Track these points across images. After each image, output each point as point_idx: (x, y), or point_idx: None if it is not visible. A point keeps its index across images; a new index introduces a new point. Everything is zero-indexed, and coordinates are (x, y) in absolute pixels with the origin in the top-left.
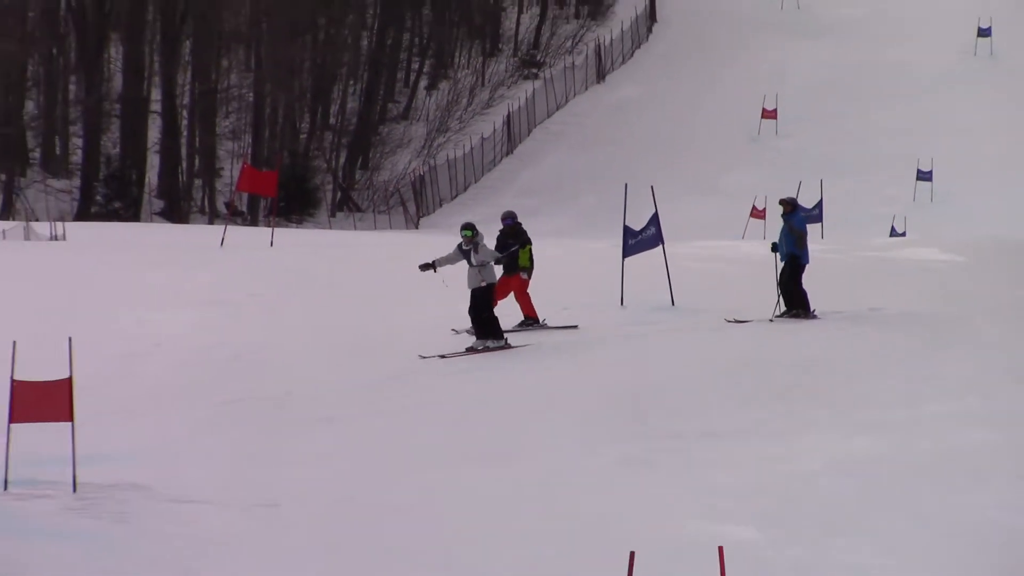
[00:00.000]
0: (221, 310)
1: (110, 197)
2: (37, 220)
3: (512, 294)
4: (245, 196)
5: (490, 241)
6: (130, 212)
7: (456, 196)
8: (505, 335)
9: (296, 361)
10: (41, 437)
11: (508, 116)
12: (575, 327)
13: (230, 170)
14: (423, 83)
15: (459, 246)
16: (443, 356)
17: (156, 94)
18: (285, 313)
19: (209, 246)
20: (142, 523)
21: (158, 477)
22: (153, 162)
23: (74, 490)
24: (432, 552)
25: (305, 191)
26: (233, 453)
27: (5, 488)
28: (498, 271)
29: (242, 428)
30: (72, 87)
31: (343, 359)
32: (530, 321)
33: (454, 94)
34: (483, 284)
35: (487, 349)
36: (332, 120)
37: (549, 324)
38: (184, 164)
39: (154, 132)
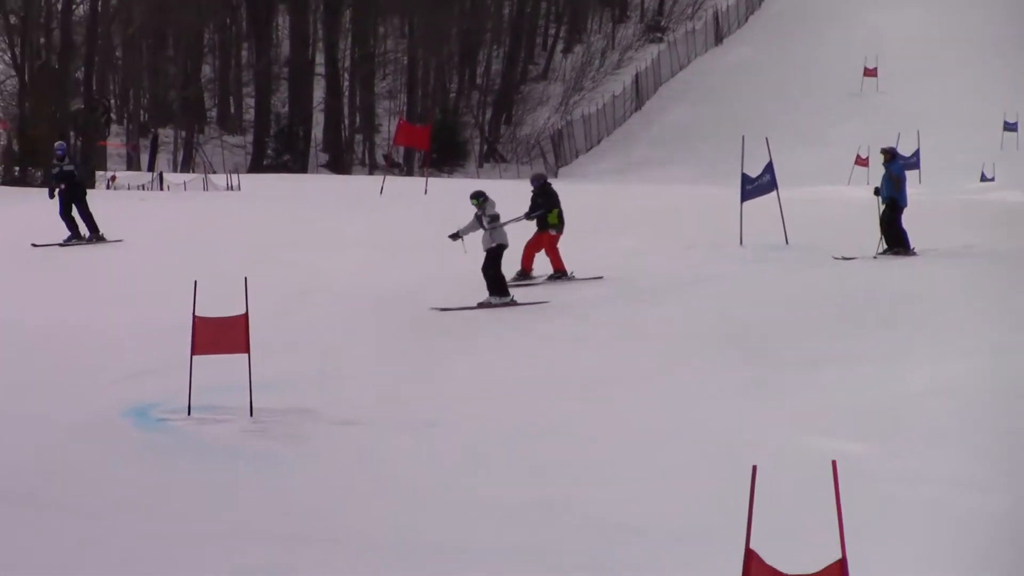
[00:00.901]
0: (381, 252)
1: (279, 151)
2: (214, 172)
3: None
4: (401, 149)
5: (525, 204)
6: (298, 165)
7: (590, 148)
8: (512, 293)
9: (451, 295)
10: (220, 368)
11: (636, 76)
12: (600, 278)
13: (387, 126)
14: (559, 47)
15: (476, 215)
16: (443, 309)
17: (320, 58)
18: (438, 253)
19: (369, 195)
20: (313, 444)
21: (326, 402)
22: (318, 119)
23: (251, 415)
24: (574, 466)
25: (455, 144)
26: (394, 378)
27: (189, 413)
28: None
29: (402, 356)
30: (244, 53)
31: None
32: (559, 274)
33: (587, 56)
34: (494, 245)
35: (491, 305)
36: (478, 80)
37: (577, 276)
38: (346, 121)
39: (318, 92)
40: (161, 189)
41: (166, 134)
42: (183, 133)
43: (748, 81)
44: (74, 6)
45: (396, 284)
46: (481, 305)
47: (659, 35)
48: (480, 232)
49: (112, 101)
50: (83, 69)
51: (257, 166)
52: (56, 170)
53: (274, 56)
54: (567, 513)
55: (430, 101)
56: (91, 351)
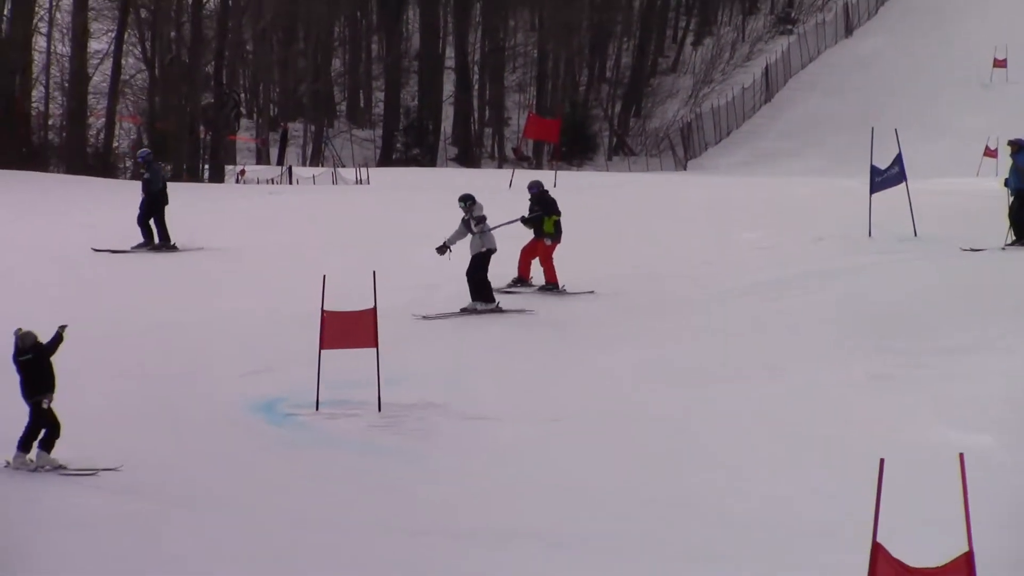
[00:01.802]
0: (510, 245)
1: (409, 145)
2: (344, 166)
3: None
4: (531, 142)
5: (523, 209)
6: (427, 158)
7: (720, 140)
8: (497, 300)
9: (584, 289)
10: (349, 362)
11: (766, 68)
12: (592, 292)
13: (517, 119)
14: (689, 39)
15: (463, 220)
16: (425, 317)
17: (450, 52)
18: (567, 246)
19: (498, 188)
20: (440, 438)
21: (454, 396)
22: (447, 113)
23: (379, 409)
24: (698, 459)
25: (584, 137)
26: (520, 373)
27: (317, 408)
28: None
29: (528, 349)
30: (374, 46)
31: (620, 285)
32: (551, 286)
33: (717, 49)
34: (483, 250)
35: (475, 311)
36: (608, 73)
37: (568, 290)
38: (475, 114)
39: (448, 86)
40: (290, 183)
41: (295, 128)
42: (312, 127)
43: (877, 72)
44: (205, 0)
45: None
46: (464, 311)
47: (789, 27)
48: (467, 236)
49: (242, 95)
50: (213, 63)
51: (386, 160)
52: (144, 175)
53: (404, 50)
54: (692, 506)
55: (560, 94)
56: (219, 346)
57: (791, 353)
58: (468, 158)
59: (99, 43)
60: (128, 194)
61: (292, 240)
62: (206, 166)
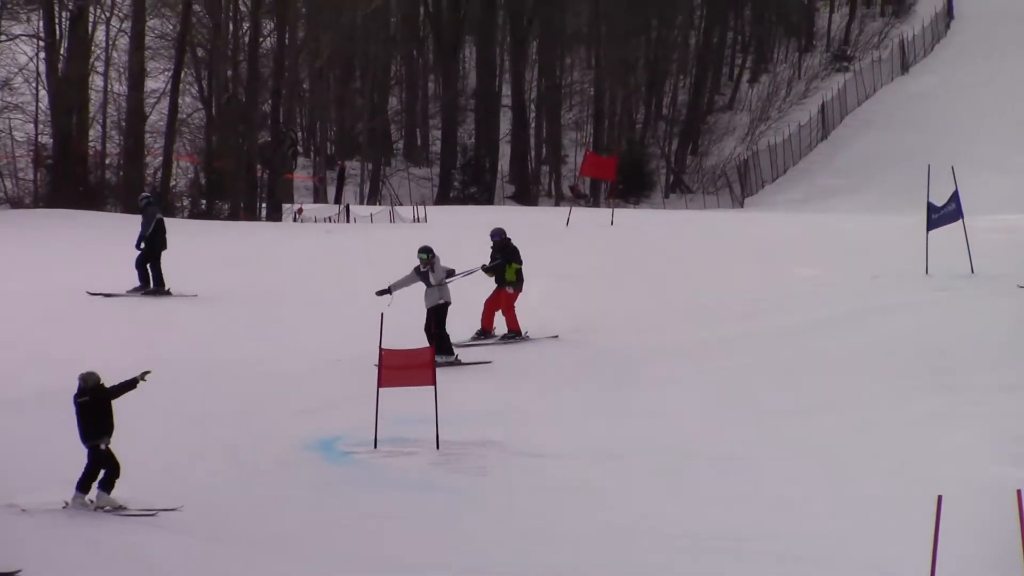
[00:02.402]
0: (568, 282)
1: (466, 183)
2: (401, 204)
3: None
4: (587, 180)
5: (484, 258)
6: (484, 196)
7: (776, 178)
8: (456, 352)
9: (639, 326)
10: (405, 400)
11: (822, 105)
12: (556, 337)
13: (573, 157)
14: (745, 76)
15: (416, 269)
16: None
17: (506, 89)
18: (625, 285)
19: (556, 225)
20: (499, 476)
21: (512, 434)
22: (504, 151)
23: (437, 447)
24: (759, 496)
25: (641, 175)
26: (580, 410)
27: (375, 447)
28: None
29: (588, 387)
30: (431, 84)
31: (679, 323)
32: (513, 334)
33: (773, 86)
34: (441, 302)
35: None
36: (664, 111)
37: (531, 337)
38: (532, 152)
39: (505, 124)
40: (347, 221)
41: (353, 166)
42: (370, 165)
43: (934, 109)
44: (262, 39)
45: (579, 316)
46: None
47: (845, 64)
48: (421, 288)
49: (299, 133)
50: (270, 102)
51: (444, 198)
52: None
53: (461, 88)
54: (751, 544)
55: (616, 132)
56: (275, 384)
57: (848, 390)
58: (525, 196)
59: (156, 82)
60: (185, 233)
61: (348, 278)
62: (263, 204)
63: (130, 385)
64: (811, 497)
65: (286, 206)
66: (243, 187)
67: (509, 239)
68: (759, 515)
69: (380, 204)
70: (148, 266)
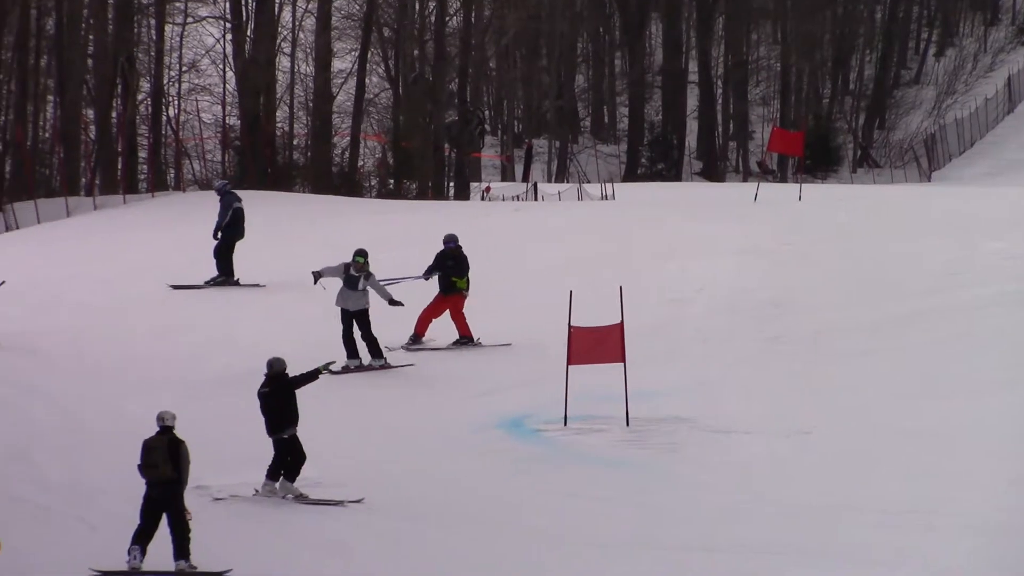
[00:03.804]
0: (755, 258)
1: (653, 160)
2: (588, 182)
3: (446, 312)
4: (775, 155)
5: (428, 260)
6: (671, 173)
7: (963, 151)
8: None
9: (826, 302)
10: (594, 377)
11: (1008, 79)
12: (509, 344)
13: (761, 133)
14: (931, 50)
15: (347, 266)
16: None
17: (693, 66)
18: (814, 260)
19: (743, 201)
20: (689, 452)
21: (701, 410)
22: (691, 127)
23: (627, 424)
24: (949, 471)
25: (828, 150)
26: (770, 386)
27: (565, 424)
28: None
29: (778, 363)
30: (617, 62)
31: (868, 299)
32: (465, 339)
33: (959, 60)
34: (367, 307)
35: (363, 368)
36: (851, 86)
37: (483, 343)
38: (719, 128)
39: (692, 100)
40: (535, 199)
41: (540, 144)
42: (557, 143)
43: None
44: (448, 18)
45: (771, 289)
46: (358, 368)
47: None
48: (342, 286)
49: (486, 112)
50: (457, 80)
51: (631, 175)
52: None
53: (647, 65)
54: (946, 518)
55: (803, 107)
56: (466, 363)
57: None
58: (713, 172)
59: (342, 62)
60: (372, 213)
61: (537, 256)
62: (451, 184)
63: (312, 376)
64: (1001, 471)
65: (474, 185)
66: (430, 166)
67: (460, 247)
68: (950, 490)
69: (568, 182)
70: (222, 254)
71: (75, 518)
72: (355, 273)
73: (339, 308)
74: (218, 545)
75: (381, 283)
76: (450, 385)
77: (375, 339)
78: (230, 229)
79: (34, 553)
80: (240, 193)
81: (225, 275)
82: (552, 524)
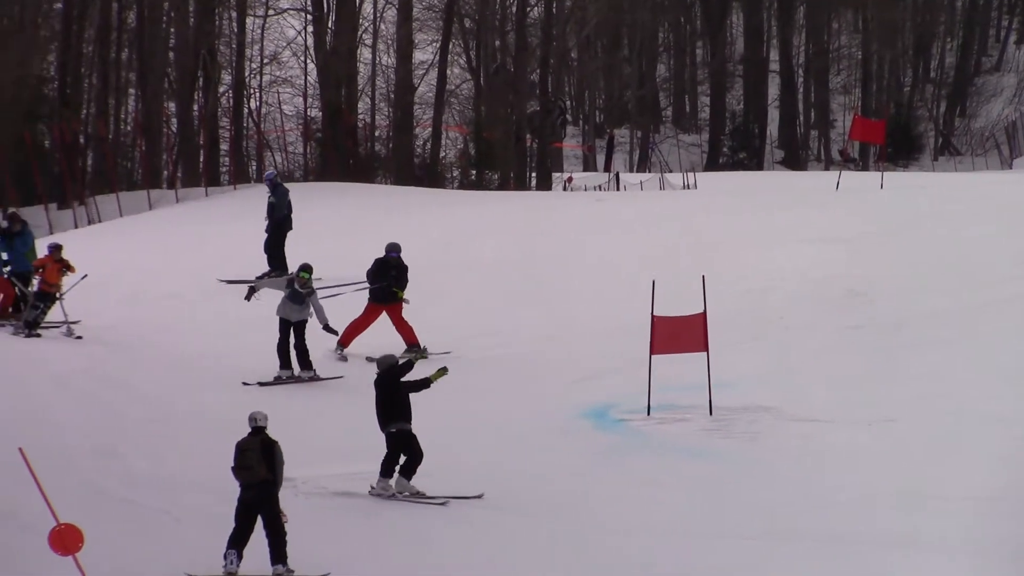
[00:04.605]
0: (837, 246)
1: (735, 149)
2: (670, 171)
3: (375, 321)
4: (857, 144)
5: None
6: (753, 162)
7: None
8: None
9: (908, 289)
10: (677, 366)
11: None
12: (449, 352)
13: (842, 121)
14: (1012, 38)
15: (291, 280)
16: (261, 383)
17: (774, 55)
18: (896, 248)
19: (825, 190)
20: (772, 441)
21: (784, 399)
22: (773, 116)
23: (710, 413)
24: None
25: (910, 138)
26: (852, 374)
27: (648, 413)
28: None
29: (860, 352)
30: (698, 51)
31: (950, 286)
32: (413, 348)
33: None
34: (304, 319)
35: (298, 379)
36: (932, 73)
37: (429, 351)
38: (800, 117)
39: (773, 89)
40: (617, 189)
41: (622, 134)
42: (639, 133)
43: None
44: (529, 8)
45: (853, 277)
46: (291, 379)
47: None
48: (284, 298)
49: (567, 102)
50: (538, 71)
51: (713, 164)
52: (269, 199)
53: (728, 54)
54: None
55: (884, 95)
56: (548, 355)
57: None
58: (794, 161)
59: (424, 53)
60: (455, 204)
61: (619, 246)
62: (533, 174)
63: (423, 384)
64: None
65: (556, 175)
66: (512, 157)
67: (401, 257)
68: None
69: (649, 171)
70: (273, 247)
71: (160, 511)
72: (300, 289)
73: (278, 317)
74: (319, 546)
75: (321, 300)
76: (534, 376)
77: (307, 351)
78: (281, 221)
79: (120, 546)
80: (322, 185)
81: (278, 269)
82: (635, 514)
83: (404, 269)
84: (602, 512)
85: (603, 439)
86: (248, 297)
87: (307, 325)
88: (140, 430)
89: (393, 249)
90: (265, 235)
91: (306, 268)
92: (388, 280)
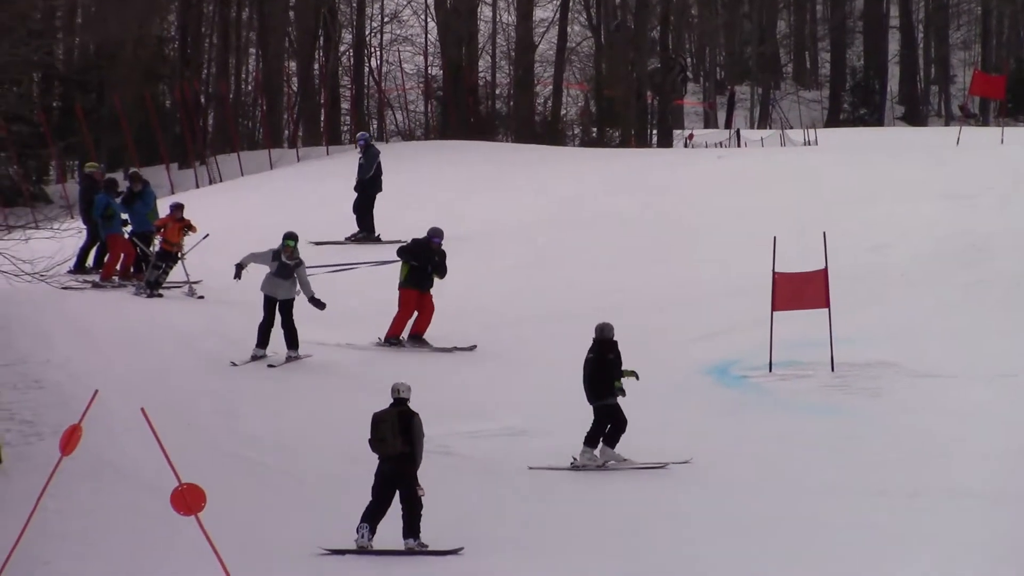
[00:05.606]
0: (959, 202)
1: (856, 105)
2: (791, 128)
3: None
4: (977, 99)
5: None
6: (874, 118)
7: None
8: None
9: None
10: (799, 323)
11: None
12: (474, 347)
13: (962, 77)
14: None
15: (275, 252)
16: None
17: (894, 10)
18: (1017, 203)
19: (945, 145)
20: (894, 397)
21: (906, 355)
22: (893, 72)
23: (832, 369)
24: None
25: None
26: (975, 330)
27: (770, 370)
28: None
29: (981, 307)
30: (819, 7)
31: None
32: (394, 340)
33: None
34: (295, 296)
35: (290, 359)
36: None
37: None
38: (921, 73)
39: (893, 45)
40: (738, 146)
41: (742, 91)
42: (759, 89)
43: None
44: None
45: (975, 233)
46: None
47: None
48: (270, 274)
49: (688, 59)
50: (659, 28)
51: (833, 120)
52: (360, 161)
53: (849, 10)
54: None
55: (1005, 50)
56: (671, 312)
57: None
58: (915, 116)
59: (544, 11)
60: (575, 161)
61: (740, 203)
62: (654, 131)
63: (624, 374)
64: None
65: (677, 132)
66: (633, 114)
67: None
68: None
69: (770, 128)
70: (362, 209)
71: (282, 472)
72: (286, 260)
73: (263, 294)
74: (457, 519)
75: (308, 274)
76: (658, 334)
77: (295, 330)
78: (371, 183)
79: (243, 507)
80: (443, 143)
81: (366, 231)
82: (758, 470)
83: (444, 256)
84: (728, 469)
85: (725, 395)
86: (237, 276)
87: (294, 304)
88: (259, 390)
89: (436, 234)
90: (355, 195)
91: (291, 236)
92: (431, 264)
